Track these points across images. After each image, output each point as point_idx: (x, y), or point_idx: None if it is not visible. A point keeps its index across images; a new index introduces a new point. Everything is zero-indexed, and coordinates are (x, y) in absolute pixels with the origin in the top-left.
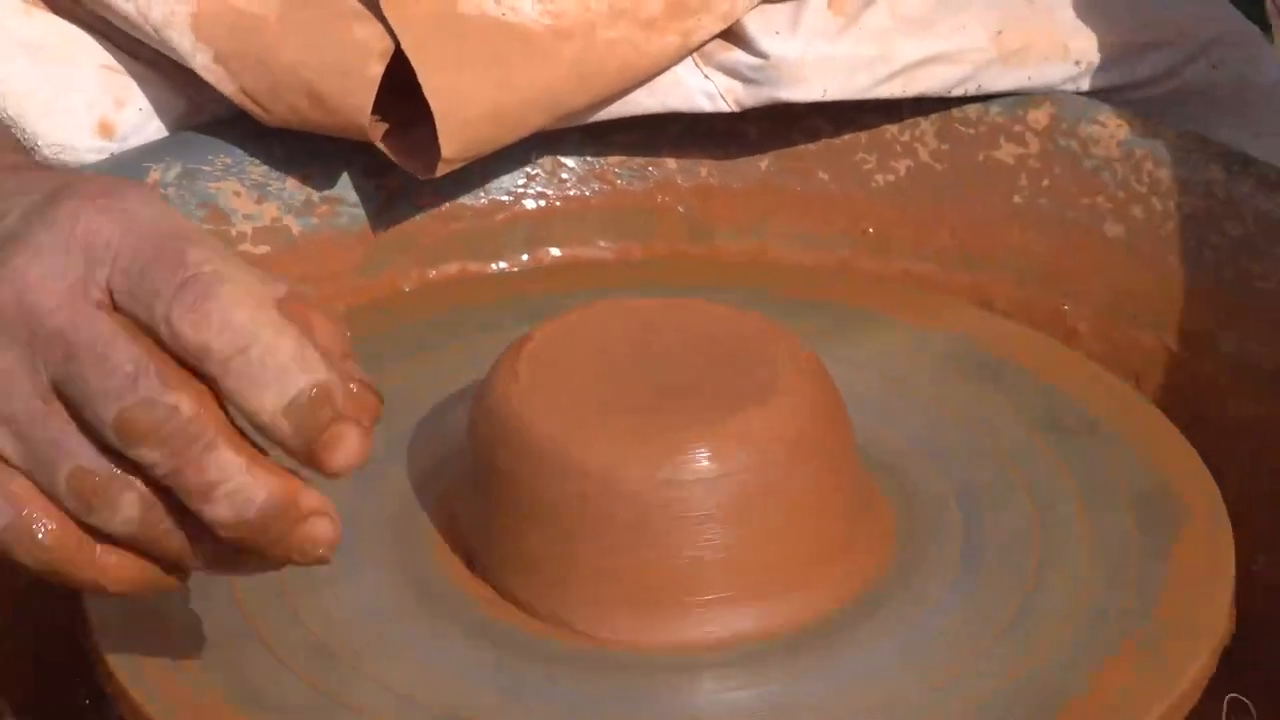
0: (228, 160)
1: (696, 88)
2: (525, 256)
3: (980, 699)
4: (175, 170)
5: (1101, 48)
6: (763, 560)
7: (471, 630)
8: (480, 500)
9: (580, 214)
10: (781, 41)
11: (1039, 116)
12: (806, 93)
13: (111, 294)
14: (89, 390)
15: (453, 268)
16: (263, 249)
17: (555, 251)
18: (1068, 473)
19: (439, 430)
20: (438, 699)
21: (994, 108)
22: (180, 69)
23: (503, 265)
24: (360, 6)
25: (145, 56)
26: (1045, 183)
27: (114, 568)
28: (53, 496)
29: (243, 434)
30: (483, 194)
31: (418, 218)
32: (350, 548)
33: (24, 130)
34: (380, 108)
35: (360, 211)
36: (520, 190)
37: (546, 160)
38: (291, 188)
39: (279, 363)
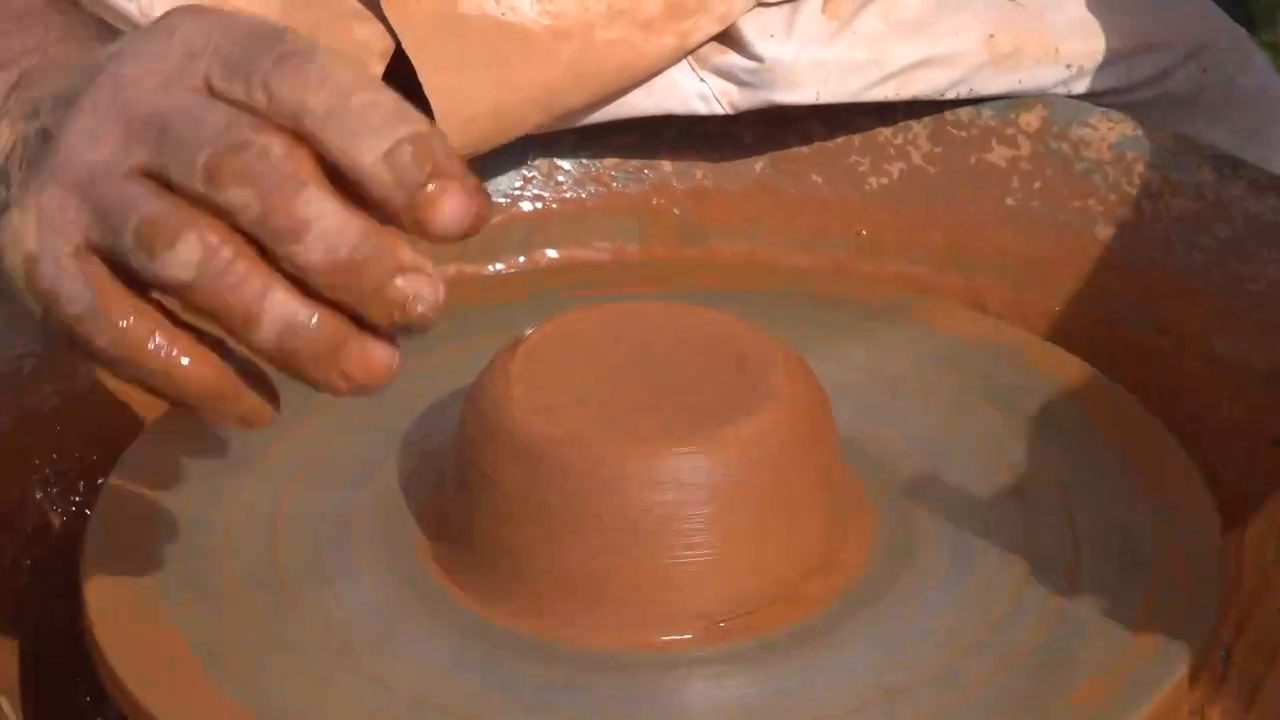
0: None
1: (692, 90)
2: (521, 258)
3: (967, 697)
4: None
5: (1092, 52)
6: (750, 562)
7: (466, 629)
8: (470, 500)
9: (576, 216)
10: (776, 45)
11: (1030, 119)
12: (800, 95)
13: (209, 83)
14: (180, 147)
15: (449, 269)
16: None
17: (551, 253)
18: (1058, 473)
19: (434, 430)
20: (430, 698)
21: (986, 111)
22: None
23: (499, 267)
24: (360, 7)
25: None
26: (1037, 185)
27: (191, 363)
28: (122, 264)
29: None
30: None
31: None
32: (345, 548)
33: None
34: None
35: None
36: (517, 192)
37: (543, 163)
38: None
39: (381, 113)
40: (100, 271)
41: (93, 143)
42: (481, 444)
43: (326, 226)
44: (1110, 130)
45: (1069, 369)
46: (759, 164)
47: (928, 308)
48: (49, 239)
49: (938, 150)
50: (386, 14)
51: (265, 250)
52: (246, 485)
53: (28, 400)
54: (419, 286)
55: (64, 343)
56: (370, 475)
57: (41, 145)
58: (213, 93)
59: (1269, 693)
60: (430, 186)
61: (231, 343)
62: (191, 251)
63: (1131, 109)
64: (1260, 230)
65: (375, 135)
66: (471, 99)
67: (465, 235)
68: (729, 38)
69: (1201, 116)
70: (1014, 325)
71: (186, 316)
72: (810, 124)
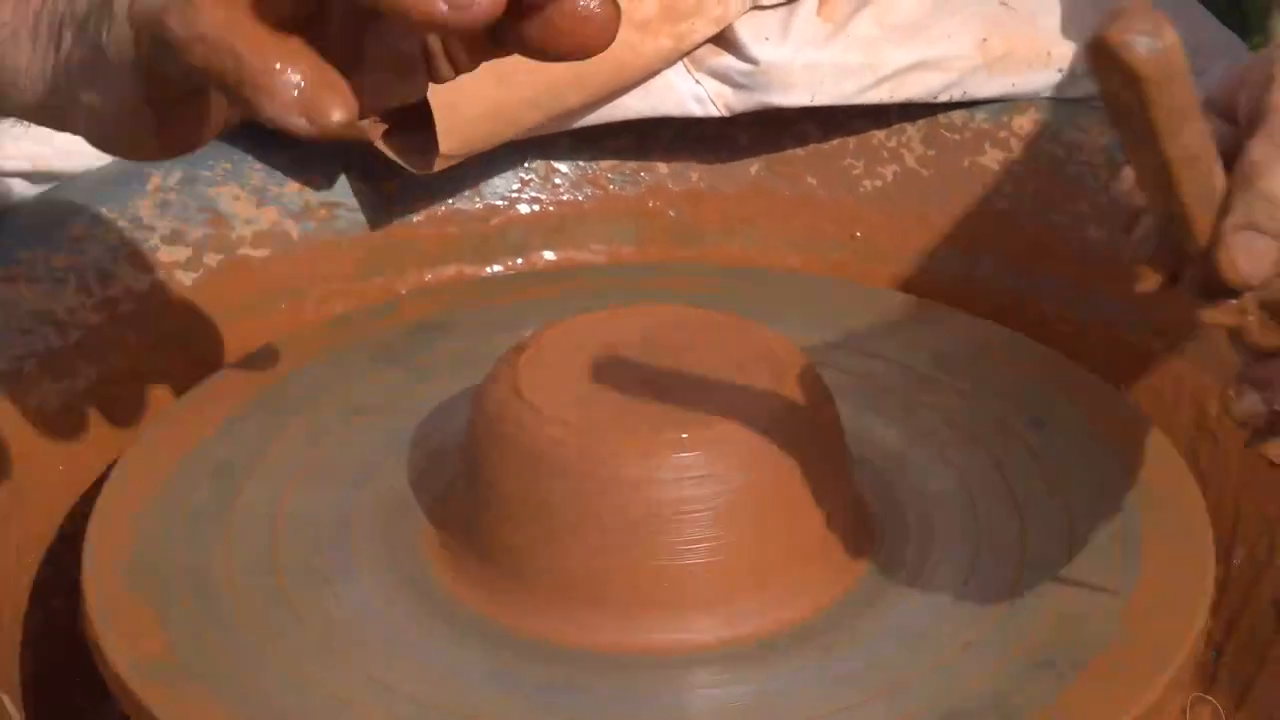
0: (228, 165)
1: (688, 92)
2: (519, 260)
3: (963, 696)
4: (177, 175)
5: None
6: (751, 560)
7: (466, 629)
8: (472, 501)
9: (573, 218)
10: (771, 48)
11: (1023, 123)
12: (795, 98)
13: None
14: None
15: (449, 271)
16: (262, 252)
17: (549, 255)
18: (1052, 471)
19: (434, 431)
20: (434, 697)
21: (979, 114)
22: None
23: (497, 268)
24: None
25: None
26: (1030, 188)
27: (289, 55)
28: None
29: None
30: (478, 199)
31: (414, 222)
32: (348, 548)
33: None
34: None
35: (358, 216)
36: (514, 195)
37: (540, 165)
38: (291, 193)
39: None
40: None
41: None
42: (485, 446)
43: None
44: (1102, 133)
45: (1063, 370)
46: (754, 166)
47: (922, 309)
48: None
49: (931, 153)
50: None
51: None
52: (247, 486)
53: (29, 400)
54: None
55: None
56: (370, 476)
57: None
58: None
59: (1259, 692)
60: None
61: None
62: None
63: None
64: None
65: None
66: (471, 98)
67: (596, 47)
68: (724, 40)
69: None
70: (1008, 327)
71: None
72: (805, 126)
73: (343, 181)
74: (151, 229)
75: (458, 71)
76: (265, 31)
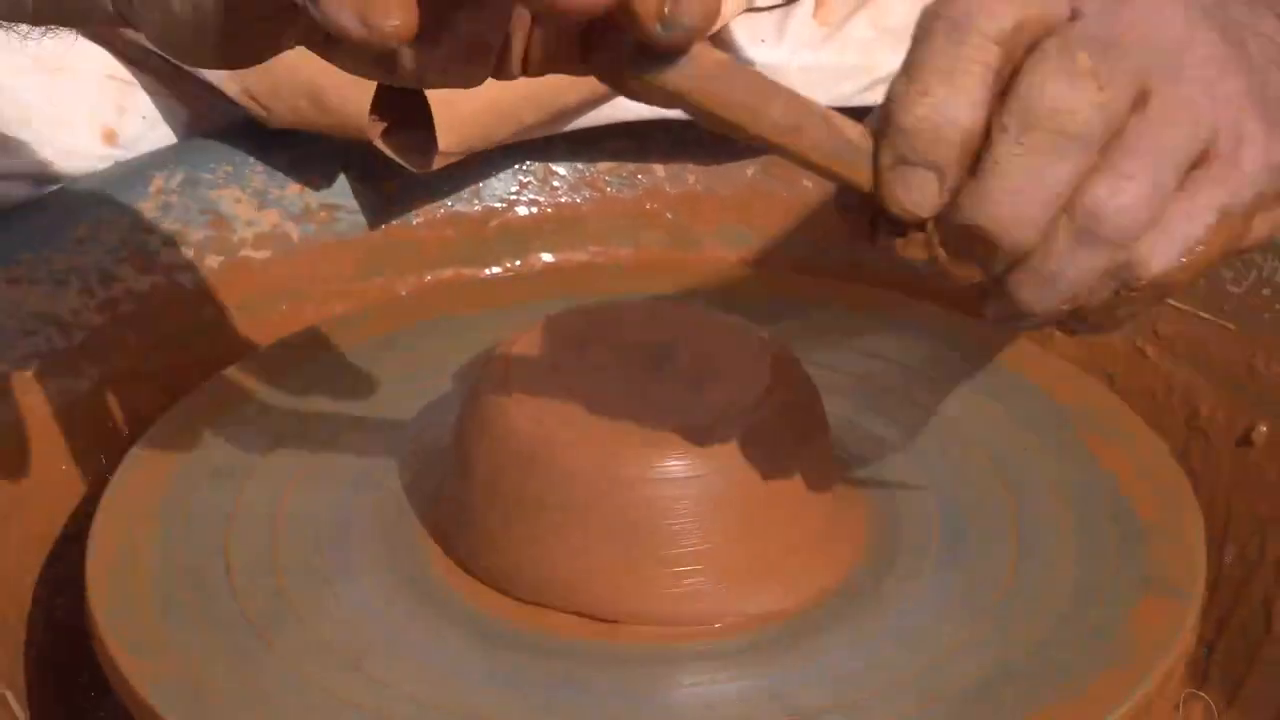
0: (229, 168)
1: None
2: (518, 262)
3: (958, 692)
4: (179, 177)
5: None
6: (743, 558)
7: (465, 628)
8: (468, 500)
9: (571, 220)
10: (767, 49)
11: None
12: None
13: None
14: None
15: (447, 272)
16: (263, 254)
17: (547, 257)
18: (1046, 469)
19: (431, 431)
20: (431, 696)
21: None
22: (184, 77)
23: (496, 270)
24: None
25: (151, 65)
26: None
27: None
28: None
29: None
30: (476, 201)
31: (413, 224)
32: (347, 548)
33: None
34: (378, 108)
35: (358, 218)
36: (513, 197)
37: (538, 168)
38: (291, 195)
39: None
40: None
41: None
42: (478, 445)
43: None
44: None
45: (1056, 371)
46: (750, 169)
47: (917, 309)
48: None
49: None
50: None
51: None
52: (248, 486)
53: (32, 400)
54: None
55: None
56: (369, 476)
57: None
58: None
59: (1250, 690)
60: None
61: None
62: None
63: None
64: None
65: None
66: (469, 94)
67: (686, 35)
68: (720, 42)
69: None
70: (1000, 329)
71: None
72: None
73: (343, 183)
74: (153, 231)
75: (525, 73)
76: None
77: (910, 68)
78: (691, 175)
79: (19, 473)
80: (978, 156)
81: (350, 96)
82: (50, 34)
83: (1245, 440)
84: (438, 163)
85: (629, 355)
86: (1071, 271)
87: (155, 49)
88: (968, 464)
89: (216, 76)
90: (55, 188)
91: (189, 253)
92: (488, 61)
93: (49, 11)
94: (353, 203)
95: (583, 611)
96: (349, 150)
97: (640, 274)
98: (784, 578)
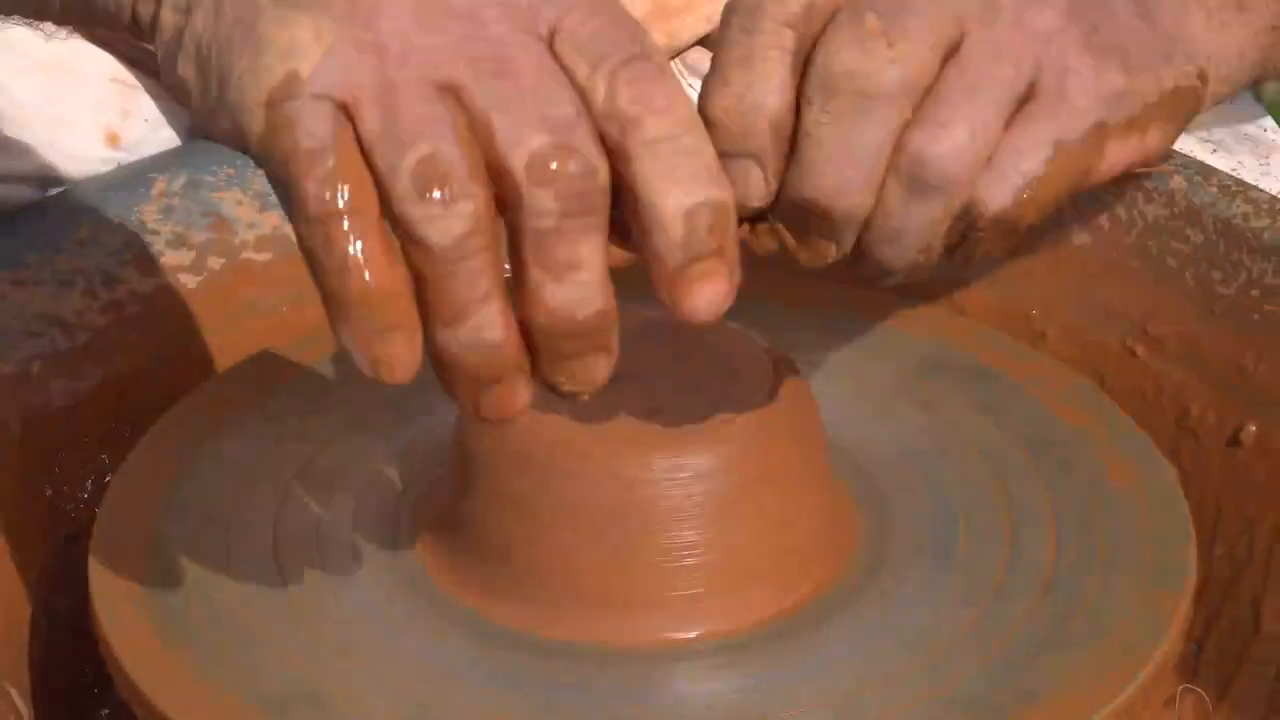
0: (231, 170)
1: None
2: None
3: (950, 689)
4: (181, 180)
5: None
6: (740, 560)
7: (463, 628)
8: (469, 501)
9: None
10: None
11: None
12: None
13: (553, 36)
14: (516, 114)
15: None
16: (265, 256)
17: None
18: (1037, 473)
19: (433, 432)
20: (431, 695)
21: None
22: None
23: None
24: None
25: (154, 69)
26: None
27: (378, 281)
28: (385, 175)
29: None
30: None
31: None
32: (348, 548)
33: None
34: None
35: None
36: None
37: None
38: None
39: (701, 164)
40: (350, 140)
41: (418, 23)
42: (478, 445)
43: (586, 280)
44: None
45: (1048, 373)
46: None
47: (911, 313)
48: (324, 79)
49: None
50: None
51: (512, 243)
52: (249, 486)
53: (37, 400)
54: (602, 371)
55: (255, 158)
56: (370, 476)
57: None
58: (552, 49)
59: (1239, 688)
60: (706, 262)
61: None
62: (459, 224)
63: None
64: (1231, 235)
65: (688, 185)
66: None
67: (699, 321)
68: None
69: None
70: (994, 330)
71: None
72: None
73: None
74: (156, 233)
75: None
76: (380, 242)
77: (713, 62)
78: None
79: (22, 471)
80: (794, 137)
81: None
82: (72, 34)
83: (1235, 440)
84: None
85: (627, 358)
86: (914, 223)
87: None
88: (961, 465)
89: None
90: (59, 190)
91: (191, 255)
92: None
93: (77, 10)
94: None
95: (581, 611)
96: None
97: (638, 275)
98: (781, 577)
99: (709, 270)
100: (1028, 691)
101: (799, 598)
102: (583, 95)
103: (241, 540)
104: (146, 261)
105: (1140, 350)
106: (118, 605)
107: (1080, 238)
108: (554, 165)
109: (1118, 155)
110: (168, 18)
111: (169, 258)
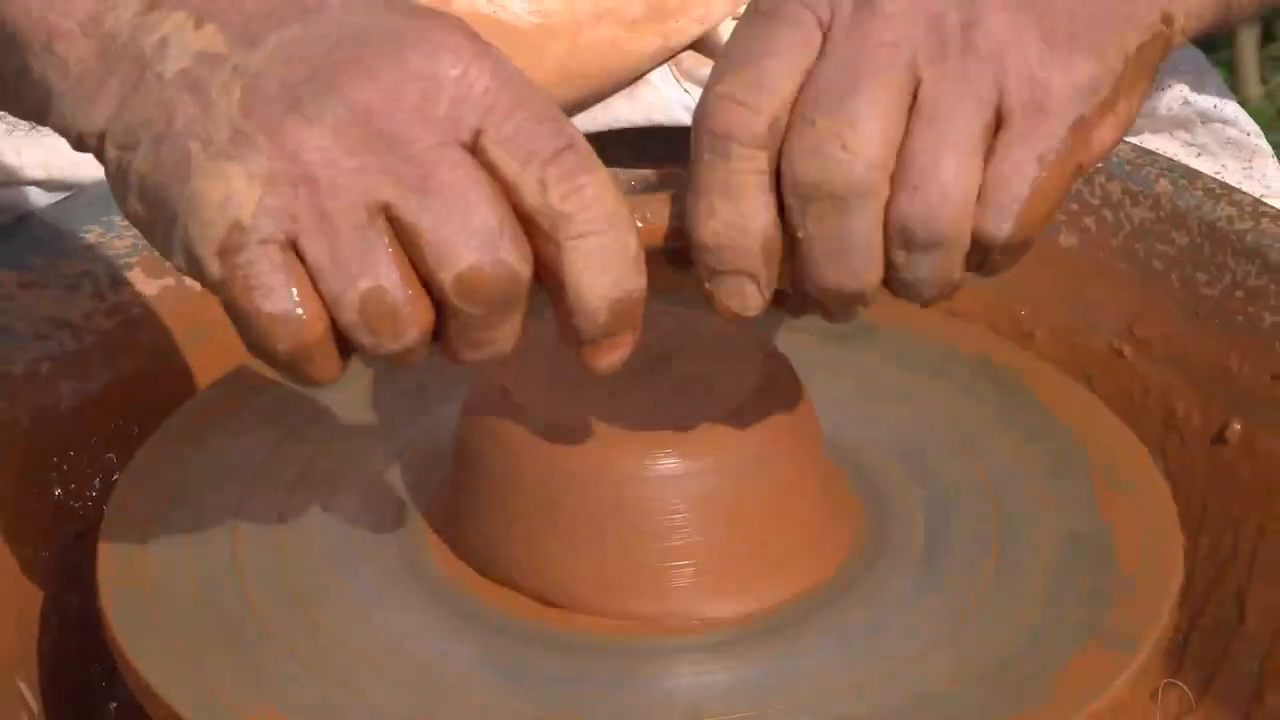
0: None
1: (676, 100)
2: None
3: (942, 682)
4: None
5: None
6: (736, 556)
7: (463, 621)
8: (470, 498)
9: None
10: None
11: None
12: None
13: (477, 137)
14: (443, 230)
15: None
16: None
17: None
18: (1028, 470)
19: (434, 432)
20: (433, 688)
21: None
22: None
23: None
24: None
25: None
26: None
27: (338, 369)
28: (334, 306)
29: None
30: None
31: None
32: (349, 545)
33: (45, 145)
34: None
35: None
36: None
37: None
38: None
39: (627, 257)
40: (304, 281)
41: (340, 149)
42: (478, 445)
43: (500, 347)
44: None
45: (1038, 373)
46: None
47: (905, 313)
48: (264, 221)
49: None
50: None
51: (440, 317)
52: (253, 484)
53: (46, 401)
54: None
55: (227, 311)
56: (371, 475)
57: (277, 103)
58: (476, 149)
59: (1223, 680)
60: (619, 336)
61: None
62: (404, 346)
63: None
64: (1215, 237)
65: (612, 279)
66: None
67: (604, 374)
68: (712, 49)
69: (1158, 132)
70: (986, 331)
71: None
72: None
73: None
74: None
75: None
76: (334, 360)
77: (693, 184)
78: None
79: (31, 470)
80: (790, 240)
81: None
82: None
83: (1219, 439)
84: None
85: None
86: (927, 274)
87: None
88: (953, 465)
89: None
90: (66, 195)
91: None
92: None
93: (35, 118)
94: None
95: (577, 607)
96: None
97: None
98: (774, 575)
99: (621, 341)
100: (1015, 687)
101: (792, 594)
102: (512, 192)
103: (246, 537)
104: (152, 264)
105: (1127, 351)
106: (125, 602)
107: (1068, 240)
108: (480, 280)
109: (1103, 139)
110: (112, 154)
111: None
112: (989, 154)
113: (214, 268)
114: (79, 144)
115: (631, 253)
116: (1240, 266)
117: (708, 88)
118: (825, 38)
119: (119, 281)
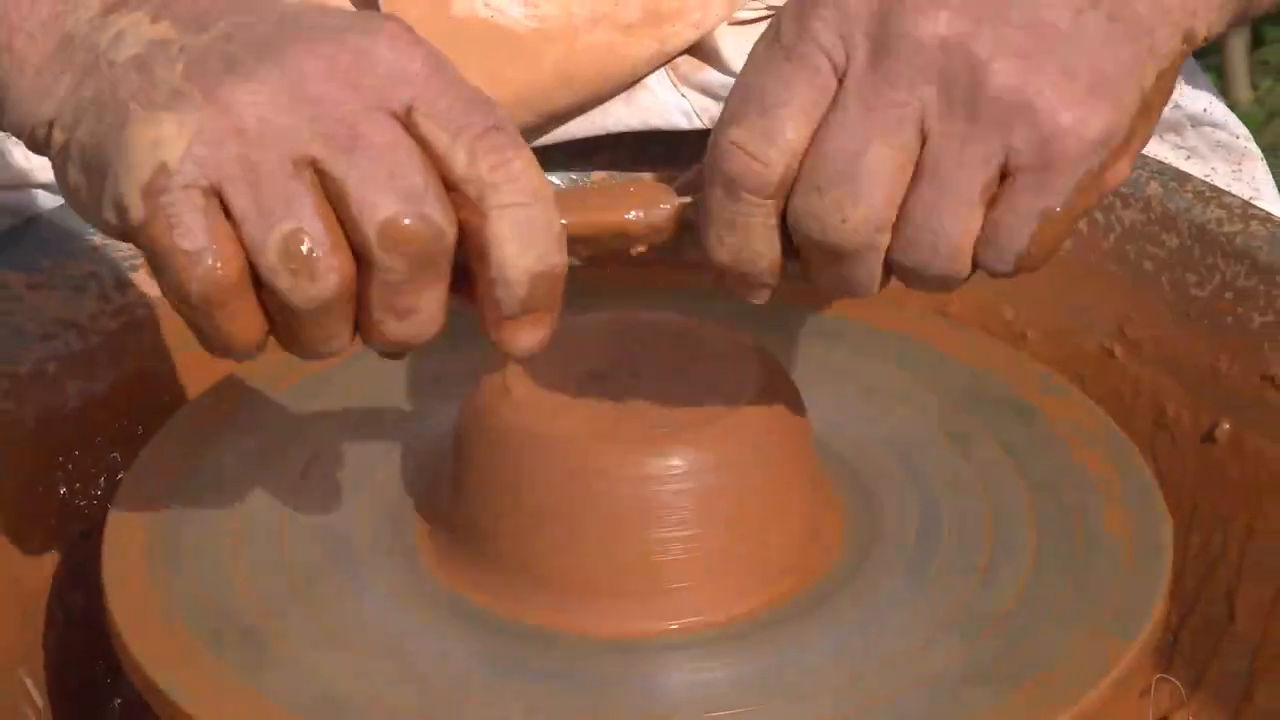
0: None
1: (673, 105)
2: None
3: (926, 685)
4: None
5: None
6: (730, 553)
7: (461, 619)
8: (467, 497)
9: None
10: None
11: None
12: None
13: (409, 113)
14: (368, 185)
15: None
16: None
17: None
18: (1019, 469)
19: (432, 432)
20: (431, 684)
21: None
22: None
23: None
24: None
25: None
26: None
27: (256, 330)
28: (254, 250)
29: None
30: None
31: None
32: (350, 545)
33: None
34: None
35: None
36: None
37: None
38: None
39: (551, 232)
40: (223, 225)
41: (273, 105)
42: (476, 444)
43: (424, 319)
44: None
45: (1030, 373)
46: None
47: (900, 314)
48: (190, 166)
49: None
50: None
51: (361, 283)
52: (254, 483)
53: (52, 400)
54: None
55: (140, 250)
56: (372, 475)
57: (217, 67)
58: (408, 124)
59: (1212, 679)
60: (538, 314)
61: None
62: (323, 292)
63: None
64: (1205, 239)
65: (536, 252)
66: None
67: (519, 356)
68: (707, 54)
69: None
70: (979, 333)
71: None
72: None
73: None
74: None
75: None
76: (251, 315)
77: (706, 209)
78: None
79: (37, 469)
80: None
81: None
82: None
83: (1209, 439)
84: None
85: (620, 359)
86: (931, 290)
87: None
88: (946, 463)
89: None
90: None
91: None
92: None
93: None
94: None
95: (574, 605)
96: None
97: (633, 280)
98: (766, 571)
99: (539, 320)
100: (1007, 682)
101: (784, 591)
102: (442, 163)
103: (247, 536)
104: None
105: (1118, 351)
106: (129, 600)
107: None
108: (403, 232)
109: (1118, 174)
110: (58, 136)
111: None
112: (994, 200)
113: (137, 208)
114: (31, 140)
115: (555, 229)
116: (1230, 268)
117: (722, 123)
118: (840, 84)
119: (125, 283)
